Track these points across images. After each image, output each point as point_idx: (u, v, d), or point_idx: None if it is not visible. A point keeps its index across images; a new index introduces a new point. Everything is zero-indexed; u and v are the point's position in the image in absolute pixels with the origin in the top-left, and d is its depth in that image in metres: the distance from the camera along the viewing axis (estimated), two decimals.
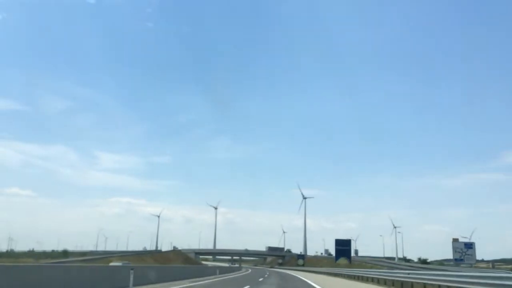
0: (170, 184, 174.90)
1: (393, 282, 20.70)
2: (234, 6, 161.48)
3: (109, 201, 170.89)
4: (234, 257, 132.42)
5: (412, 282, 18.37)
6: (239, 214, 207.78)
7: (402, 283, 19.23)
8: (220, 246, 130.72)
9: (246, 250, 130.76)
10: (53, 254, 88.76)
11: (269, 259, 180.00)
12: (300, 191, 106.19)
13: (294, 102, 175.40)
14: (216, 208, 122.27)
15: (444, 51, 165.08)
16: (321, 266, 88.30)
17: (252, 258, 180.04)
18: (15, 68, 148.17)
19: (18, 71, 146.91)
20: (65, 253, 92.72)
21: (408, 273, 19.61)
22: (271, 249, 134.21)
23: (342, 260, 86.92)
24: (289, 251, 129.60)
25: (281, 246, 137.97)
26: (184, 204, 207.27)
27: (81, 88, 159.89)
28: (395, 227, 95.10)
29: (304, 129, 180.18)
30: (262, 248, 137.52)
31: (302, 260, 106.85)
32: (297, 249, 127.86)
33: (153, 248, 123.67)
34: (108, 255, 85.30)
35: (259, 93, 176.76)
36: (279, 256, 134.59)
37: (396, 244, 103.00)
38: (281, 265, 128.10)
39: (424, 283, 17.31)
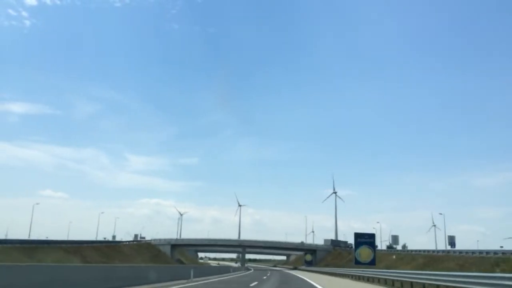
0: (197, 185, 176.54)
1: None
2: (259, 6, 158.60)
3: (138, 202, 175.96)
4: (232, 253, 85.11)
5: None
6: (266, 215, 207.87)
7: None
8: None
9: (302, 243, 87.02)
10: None
11: (293, 257, 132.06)
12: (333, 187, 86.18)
13: (321, 103, 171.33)
14: (240, 206, 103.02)
15: (478, 43, 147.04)
16: (396, 267, 39.53)
17: (272, 258, 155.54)
18: (45, 72, 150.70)
19: (47, 76, 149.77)
20: None
21: None
22: (333, 242, 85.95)
23: None
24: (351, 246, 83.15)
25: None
26: (212, 205, 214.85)
27: (109, 92, 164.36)
28: (434, 225, 74.48)
29: (331, 130, 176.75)
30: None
31: (370, 252, 49.66)
32: None
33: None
34: None
35: (286, 94, 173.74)
36: (308, 251, 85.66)
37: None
38: (310, 264, 79.41)
39: None
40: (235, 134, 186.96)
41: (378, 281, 26.51)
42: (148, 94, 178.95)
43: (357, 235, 51.13)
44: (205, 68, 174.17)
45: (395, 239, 65.51)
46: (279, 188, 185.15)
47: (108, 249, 69.81)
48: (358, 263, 47.74)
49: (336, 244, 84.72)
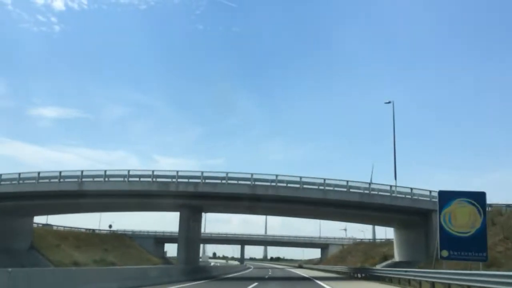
0: None
1: None
2: (284, 4, 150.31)
3: None
4: None
5: None
6: None
7: None
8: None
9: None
10: None
11: (333, 249, 71.64)
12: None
13: (350, 100, 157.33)
14: None
15: None
16: None
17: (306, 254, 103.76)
18: (75, 77, 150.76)
19: (77, 80, 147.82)
20: None
21: None
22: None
23: None
24: None
25: None
26: None
27: (137, 94, 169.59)
28: None
29: (361, 128, 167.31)
30: None
31: None
32: None
33: None
34: None
35: (312, 92, 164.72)
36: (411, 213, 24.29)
37: None
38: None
39: None
40: (262, 134, 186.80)
41: None
42: (175, 96, 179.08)
43: None
44: (230, 68, 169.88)
45: None
46: None
47: None
48: None
49: None
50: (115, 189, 25.26)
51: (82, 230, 65.84)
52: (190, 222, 26.68)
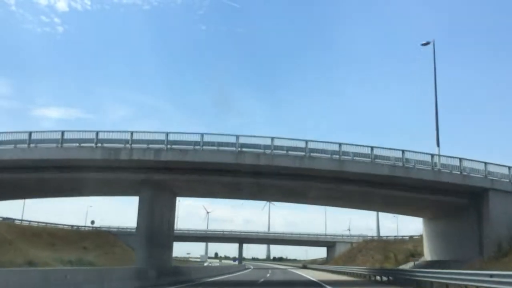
0: None
1: None
2: (286, 4, 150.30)
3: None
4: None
5: None
6: (299, 215, 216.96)
7: None
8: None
9: None
10: None
11: (342, 247, 64.59)
12: None
13: (355, 99, 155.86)
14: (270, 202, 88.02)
15: None
16: None
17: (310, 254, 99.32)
18: (78, 77, 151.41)
19: (80, 81, 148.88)
20: None
21: None
22: None
23: None
24: None
25: None
26: (245, 206, 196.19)
27: (140, 95, 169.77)
28: None
29: (366, 127, 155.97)
30: None
31: None
32: None
33: None
34: None
35: (315, 91, 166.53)
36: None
37: None
38: None
39: None
40: (265, 134, 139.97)
41: None
42: (178, 96, 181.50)
43: None
44: (233, 68, 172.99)
45: None
46: None
47: None
48: None
49: None
50: (43, 158, 17.82)
51: (59, 226, 59.55)
52: (154, 207, 19.32)
